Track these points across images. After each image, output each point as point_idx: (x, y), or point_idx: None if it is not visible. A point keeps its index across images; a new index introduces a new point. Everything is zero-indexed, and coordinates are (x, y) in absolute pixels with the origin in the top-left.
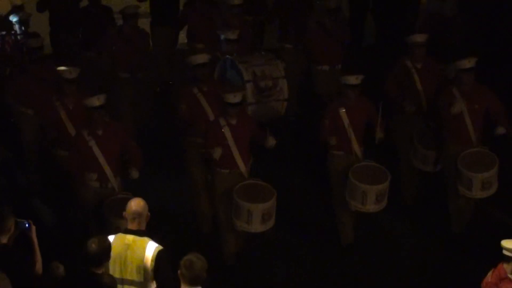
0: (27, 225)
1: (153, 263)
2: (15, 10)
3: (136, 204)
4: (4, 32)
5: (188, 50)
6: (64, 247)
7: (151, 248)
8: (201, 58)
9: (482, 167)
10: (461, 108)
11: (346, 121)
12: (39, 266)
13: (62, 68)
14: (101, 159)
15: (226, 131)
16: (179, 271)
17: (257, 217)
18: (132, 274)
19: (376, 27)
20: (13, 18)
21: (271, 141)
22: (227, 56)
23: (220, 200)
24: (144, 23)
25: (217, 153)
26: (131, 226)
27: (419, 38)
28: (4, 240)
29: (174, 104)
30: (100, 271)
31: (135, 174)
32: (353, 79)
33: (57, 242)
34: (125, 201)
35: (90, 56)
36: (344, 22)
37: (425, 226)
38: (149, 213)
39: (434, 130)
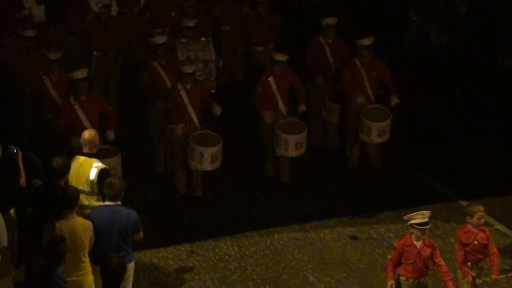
0: (15, 150)
1: (96, 178)
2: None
3: (88, 134)
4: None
5: (149, 33)
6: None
7: (96, 167)
8: (161, 39)
9: (378, 118)
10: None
11: (274, 87)
12: (22, 180)
13: (48, 50)
14: (84, 120)
15: (183, 93)
16: (103, 190)
17: (207, 158)
18: (83, 185)
19: None
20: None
21: (217, 109)
22: (176, 40)
23: (177, 147)
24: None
25: (181, 126)
26: (84, 150)
27: (330, 20)
28: None
29: (139, 75)
30: (62, 183)
31: (111, 136)
32: (279, 56)
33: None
34: (104, 150)
35: (72, 40)
36: (274, 11)
37: (330, 162)
38: (98, 142)
39: (340, 90)
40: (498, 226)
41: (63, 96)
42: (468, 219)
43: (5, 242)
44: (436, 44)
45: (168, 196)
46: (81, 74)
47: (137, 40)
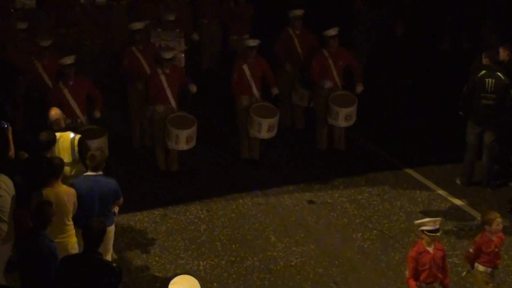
0: (5, 125)
1: (76, 147)
2: None
3: (54, 113)
4: None
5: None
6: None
7: (73, 137)
8: (138, 25)
9: (345, 104)
10: (330, 65)
11: (248, 73)
12: (11, 153)
13: (40, 37)
14: (72, 102)
15: (162, 78)
16: (86, 162)
17: (182, 139)
18: (65, 157)
19: None
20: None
21: (193, 88)
22: (152, 30)
23: (157, 126)
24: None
25: (160, 108)
26: (55, 127)
27: (298, 12)
28: None
29: (120, 60)
30: (48, 155)
31: (97, 114)
32: (252, 42)
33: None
34: (92, 130)
35: (63, 31)
36: (248, 3)
37: (300, 145)
38: (64, 116)
39: (308, 78)
40: (440, 191)
41: (53, 78)
42: (487, 227)
43: (9, 210)
44: (400, 33)
45: (144, 166)
46: (68, 60)
47: (124, 32)
